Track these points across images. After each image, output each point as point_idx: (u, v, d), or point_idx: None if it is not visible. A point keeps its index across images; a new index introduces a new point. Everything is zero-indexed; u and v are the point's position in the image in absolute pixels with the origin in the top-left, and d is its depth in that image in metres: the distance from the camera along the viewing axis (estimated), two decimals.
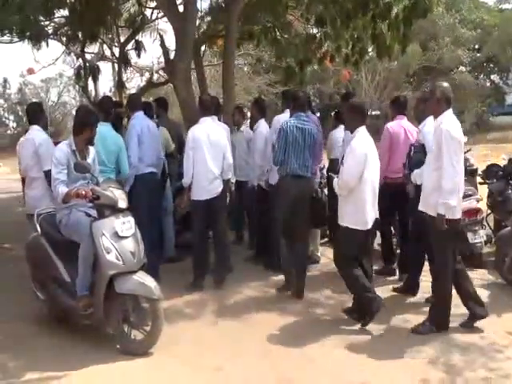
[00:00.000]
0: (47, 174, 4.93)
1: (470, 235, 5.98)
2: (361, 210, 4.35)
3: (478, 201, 6.26)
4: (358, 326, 4.41)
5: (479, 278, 5.64)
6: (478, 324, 4.38)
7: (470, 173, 6.99)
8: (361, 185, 4.32)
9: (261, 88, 21.93)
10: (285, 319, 4.62)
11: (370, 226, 4.43)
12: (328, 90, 27.03)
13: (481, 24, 31.58)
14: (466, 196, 6.27)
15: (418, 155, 4.75)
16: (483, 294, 5.08)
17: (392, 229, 6.12)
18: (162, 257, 6.02)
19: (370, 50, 10.45)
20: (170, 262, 6.09)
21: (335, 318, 4.63)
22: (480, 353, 3.93)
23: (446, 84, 4.28)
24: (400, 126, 5.63)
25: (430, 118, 4.72)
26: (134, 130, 5.57)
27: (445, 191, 4.00)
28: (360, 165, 4.30)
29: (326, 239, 7.04)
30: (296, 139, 5.10)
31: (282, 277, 5.61)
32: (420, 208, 4.33)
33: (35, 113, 5.28)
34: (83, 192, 4.02)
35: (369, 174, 4.34)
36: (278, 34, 9.61)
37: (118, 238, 3.99)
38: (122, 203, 4.10)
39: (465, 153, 7.37)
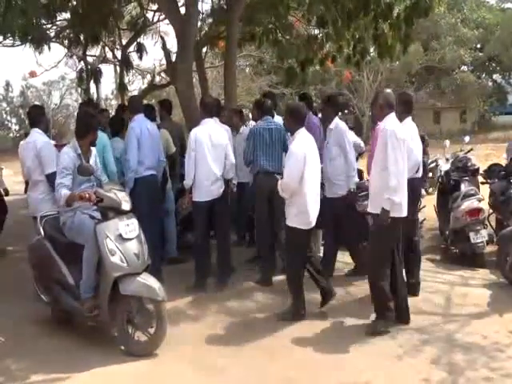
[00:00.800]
0: (49, 177, 4.95)
1: (471, 235, 5.99)
2: (304, 210, 4.51)
3: (479, 200, 6.26)
4: (360, 326, 4.42)
5: (481, 277, 5.64)
6: (477, 324, 4.41)
7: (472, 172, 6.99)
8: (302, 186, 4.47)
9: (262, 89, 21.96)
10: (287, 322, 4.59)
11: (313, 224, 4.60)
12: (330, 91, 27.05)
13: (482, 23, 31.56)
14: (467, 196, 6.30)
15: None
16: (485, 294, 5.09)
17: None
18: (164, 258, 6.03)
19: (371, 50, 10.46)
20: (172, 264, 6.10)
21: (336, 318, 4.63)
22: (482, 352, 3.92)
23: (388, 90, 4.57)
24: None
25: (407, 124, 4.86)
26: (133, 132, 5.58)
27: (390, 188, 4.10)
28: (300, 166, 4.45)
29: None
30: (264, 139, 5.47)
31: (283, 277, 5.61)
32: (369, 210, 4.42)
33: (36, 116, 5.29)
34: (87, 195, 4.04)
35: (309, 174, 4.49)
36: (279, 35, 9.64)
37: (122, 240, 4.00)
38: (126, 205, 4.11)
39: (466, 152, 7.44)
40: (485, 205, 6.40)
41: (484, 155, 15.79)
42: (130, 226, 4.07)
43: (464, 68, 32.72)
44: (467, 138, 8.43)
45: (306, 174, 4.46)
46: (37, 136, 5.12)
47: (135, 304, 3.99)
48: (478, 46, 32.46)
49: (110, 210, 4.05)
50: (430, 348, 4.01)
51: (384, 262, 4.30)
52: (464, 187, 6.51)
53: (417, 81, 31.54)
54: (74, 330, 4.45)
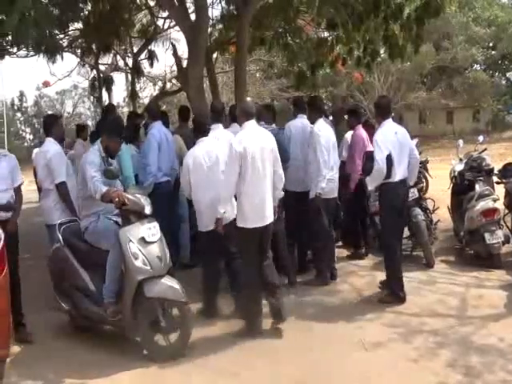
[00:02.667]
0: (59, 187, 5.00)
1: (487, 235, 5.92)
2: (199, 216, 4.84)
3: (494, 201, 6.19)
4: (374, 328, 4.39)
5: (497, 278, 5.57)
6: (494, 326, 4.36)
7: (487, 172, 6.91)
8: (192, 192, 4.82)
9: (273, 93, 22.00)
10: (298, 324, 4.61)
11: (209, 228, 4.69)
12: (341, 93, 27.00)
13: (495, 21, 31.16)
14: (482, 196, 6.23)
15: (368, 163, 5.14)
16: (501, 295, 5.03)
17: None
18: (175, 263, 6.03)
19: (382, 51, 10.42)
20: (184, 269, 6.10)
21: (348, 320, 4.62)
22: (499, 355, 3.87)
23: (248, 99, 4.75)
24: (361, 133, 6.54)
25: (384, 126, 4.98)
26: (153, 139, 5.66)
27: (221, 198, 4.38)
28: (185, 175, 4.83)
29: (339, 243, 7.00)
30: None
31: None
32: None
33: (50, 125, 5.30)
34: (119, 196, 4.02)
35: (198, 182, 4.73)
36: (289, 38, 9.64)
37: (145, 244, 4.04)
38: (148, 209, 4.17)
39: (480, 152, 7.36)
40: (500, 205, 6.33)
41: (498, 154, 15.59)
42: (152, 230, 4.12)
43: (476, 67, 32.41)
44: (481, 138, 8.32)
45: (193, 182, 4.76)
46: (50, 145, 5.14)
47: (159, 308, 4.00)
48: (491, 44, 32.10)
49: (133, 214, 4.10)
50: (446, 351, 3.97)
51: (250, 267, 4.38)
52: (479, 187, 6.44)
53: (429, 81, 31.31)
54: (95, 336, 4.48)
